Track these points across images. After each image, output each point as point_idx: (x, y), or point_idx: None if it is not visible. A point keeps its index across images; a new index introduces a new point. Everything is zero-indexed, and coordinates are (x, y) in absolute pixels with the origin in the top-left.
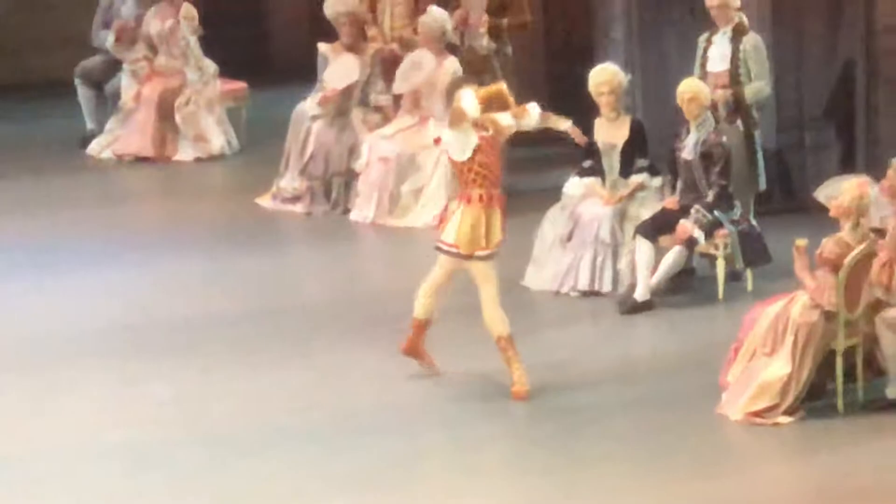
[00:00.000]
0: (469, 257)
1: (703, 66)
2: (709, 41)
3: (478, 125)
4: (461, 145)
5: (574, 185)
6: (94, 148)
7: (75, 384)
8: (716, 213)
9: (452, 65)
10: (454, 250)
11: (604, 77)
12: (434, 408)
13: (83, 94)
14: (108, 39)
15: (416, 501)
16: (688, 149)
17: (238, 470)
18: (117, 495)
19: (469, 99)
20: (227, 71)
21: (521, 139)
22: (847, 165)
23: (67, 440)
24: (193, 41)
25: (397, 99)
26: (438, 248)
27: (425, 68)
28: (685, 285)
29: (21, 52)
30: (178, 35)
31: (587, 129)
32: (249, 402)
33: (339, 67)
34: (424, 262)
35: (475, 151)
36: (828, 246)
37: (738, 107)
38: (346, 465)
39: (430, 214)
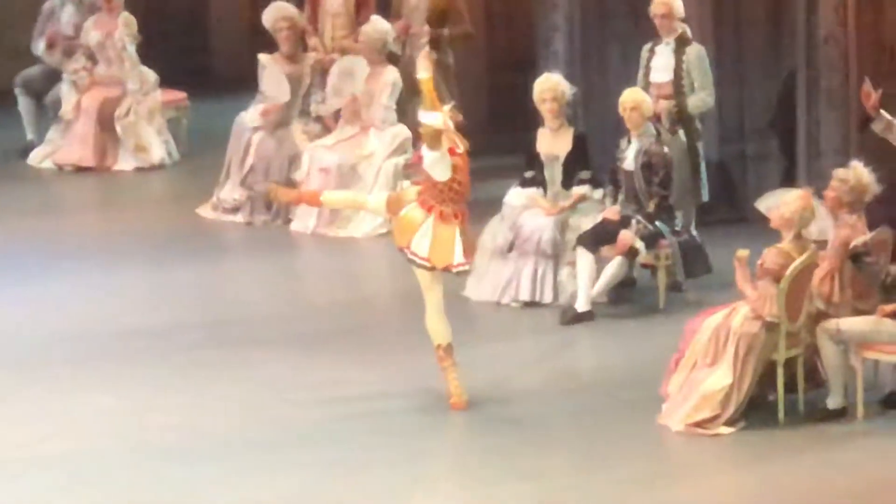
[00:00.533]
0: (445, 270)
1: (647, 76)
2: (652, 51)
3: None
4: (442, 165)
5: (515, 196)
6: (34, 158)
7: (11, 394)
8: (657, 223)
9: (391, 75)
10: (426, 264)
11: (547, 85)
12: (376, 419)
13: (23, 103)
14: (40, 47)
15: None
16: (629, 159)
17: (174, 482)
18: None
19: (434, 116)
20: (167, 81)
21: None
22: (789, 177)
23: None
24: (132, 49)
25: (337, 109)
26: (411, 261)
27: (357, 76)
28: (626, 296)
29: None
30: (117, 43)
31: (530, 141)
32: (188, 413)
33: (276, 81)
34: (365, 272)
35: (454, 170)
36: (769, 256)
37: (680, 117)
38: (287, 479)
39: (371, 225)
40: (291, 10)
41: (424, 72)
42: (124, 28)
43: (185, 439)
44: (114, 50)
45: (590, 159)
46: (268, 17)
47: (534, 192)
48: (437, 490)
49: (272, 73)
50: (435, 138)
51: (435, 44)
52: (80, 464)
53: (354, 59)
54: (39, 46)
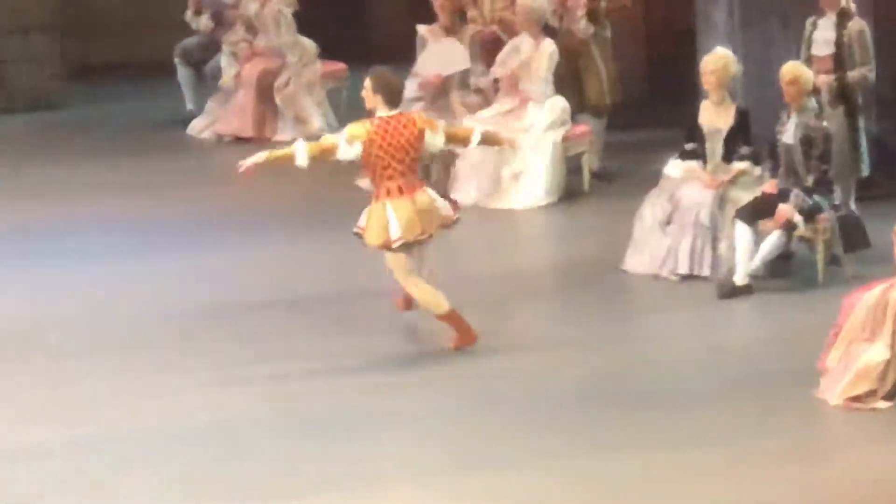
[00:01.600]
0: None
1: (808, 49)
2: (814, 25)
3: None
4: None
5: (675, 168)
6: (193, 128)
7: (168, 366)
8: (815, 197)
9: (549, 47)
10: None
11: (711, 58)
12: (532, 388)
13: (182, 74)
14: (189, 15)
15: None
16: (789, 133)
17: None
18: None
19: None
20: (326, 52)
21: (620, 122)
22: None
23: (152, 421)
24: (289, 19)
25: (496, 81)
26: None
27: (523, 52)
28: (784, 270)
29: (125, 33)
30: (275, 13)
31: (692, 113)
32: (331, 378)
33: (440, 52)
34: (524, 243)
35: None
36: None
37: (841, 92)
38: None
39: (530, 197)
40: None
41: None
42: None
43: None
44: (271, 19)
45: (751, 135)
46: None
47: (693, 164)
48: (599, 458)
49: (435, 39)
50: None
51: (592, 16)
52: (234, 434)
53: (522, 37)
54: (189, 14)
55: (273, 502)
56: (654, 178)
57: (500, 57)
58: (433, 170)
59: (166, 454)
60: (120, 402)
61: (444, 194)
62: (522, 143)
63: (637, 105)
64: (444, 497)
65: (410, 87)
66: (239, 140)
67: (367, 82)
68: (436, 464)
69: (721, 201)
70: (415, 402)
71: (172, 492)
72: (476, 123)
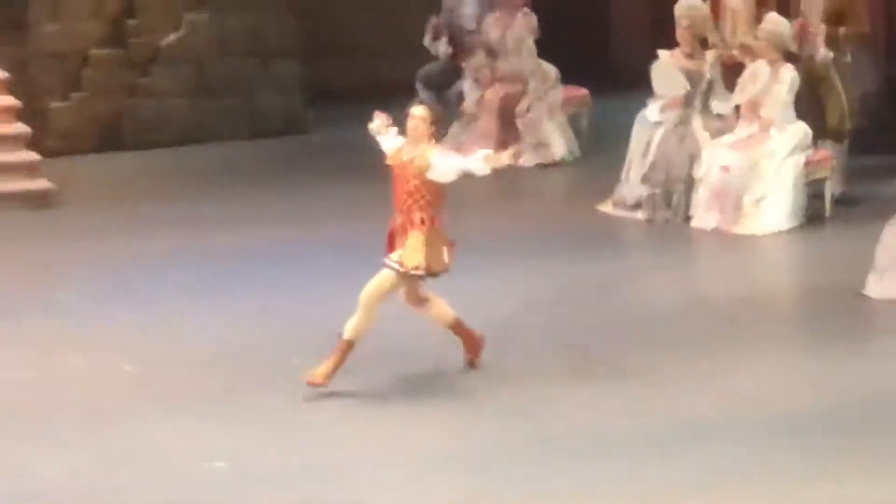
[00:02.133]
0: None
1: None
2: None
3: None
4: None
5: None
6: None
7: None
8: None
9: (789, 73)
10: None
11: None
12: (768, 415)
13: (425, 99)
14: (428, 40)
15: None
16: None
17: (569, 472)
18: None
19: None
20: (568, 77)
21: (862, 147)
22: None
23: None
24: (531, 45)
25: (738, 107)
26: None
27: (760, 79)
28: None
29: (366, 58)
30: (517, 40)
31: None
32: (585, 408)
33: (678, 74)
34: (765, 269)
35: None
36: None
37: None
38: (683, 473)
39: (772, 223)
40: (699, 7)
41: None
42: (524, 24)
43: (585, 436)
44: (513, 45)
45: None
46: (677, 8)
47: None
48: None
49: (663, 68)
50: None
51: (831, 42)
52: (476, 460)
53: (761, 63)
54: (428, 40)
55: None
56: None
57: (739, 83)
58: (675, 192)
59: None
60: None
61: (686, 218)
62: (764, 168)
63: (878, 129)
64: None
65: (653, 111)
66: None
67: (423, 112)
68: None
69: None
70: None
71: None
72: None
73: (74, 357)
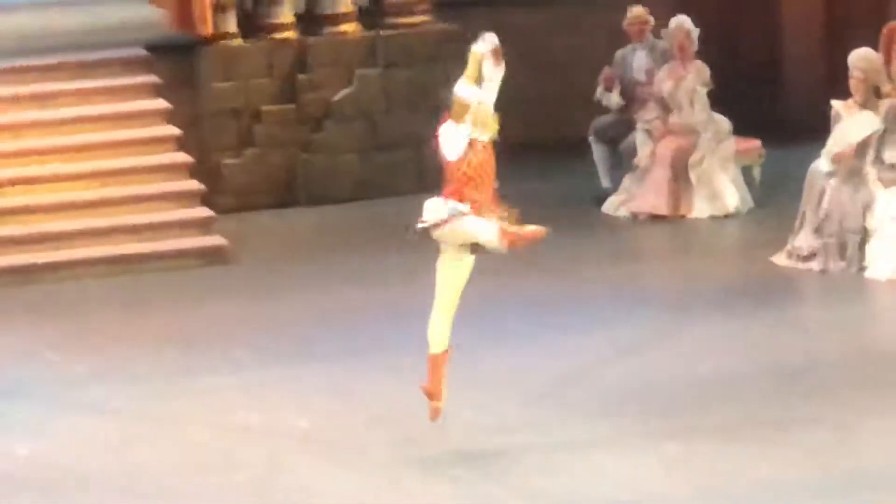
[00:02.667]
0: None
1: None
2: None
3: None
4: (453, 143)
5: None
6: (609, 206)
7: (593, 444)
8: None
9: None
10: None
11: None
12: None
13: (597, 152)
14: (600, 92)
15: None
16: None
17: None
18: None
19: (469, 90)
20: (741, 129)
21: None
22: None
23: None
24: (704, 97)
25: None
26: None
27: None
28: None
29: (531, 112)
30: (689, 92)
31: None
32: (754, 460)
33: (852, 124)
34: None
35: (466, 160)
36: None
37: None
38: None
39: None
40: (872, 58)
41: (482, 45)
42: (697, 75)
43: (753, 488)
44: (686, 98)
45: None
46: (850, 60)
47: None
48: None
49: (850, 114)
50: (460, 113)
51: None
52: None
53: None
54: (600, 91)
55: None
56: None
57: None
58: (849, 243)
59: None
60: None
61: (861, 269)
62: None
63: None
64: None
65: (825, 162)
66: (654, 218)
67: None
68: None
69: None
70: None
71: None
72: None
73: (249, 414)
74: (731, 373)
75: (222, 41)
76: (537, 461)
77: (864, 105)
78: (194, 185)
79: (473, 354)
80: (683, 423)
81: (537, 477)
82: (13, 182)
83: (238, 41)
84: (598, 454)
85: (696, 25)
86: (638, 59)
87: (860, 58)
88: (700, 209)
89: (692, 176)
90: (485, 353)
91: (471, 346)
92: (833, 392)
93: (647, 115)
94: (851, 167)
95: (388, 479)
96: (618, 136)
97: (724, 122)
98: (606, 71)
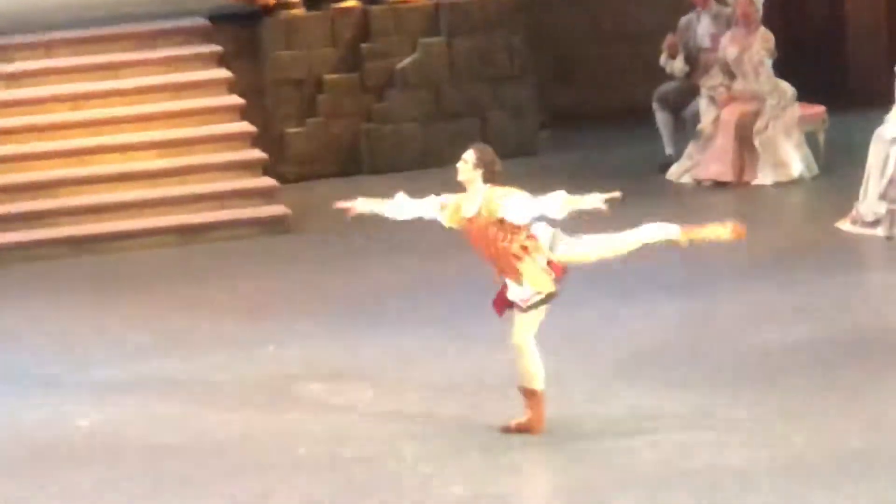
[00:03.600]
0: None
1: None
2: None
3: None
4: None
5: None
6: (672, 173)
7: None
8: None
9: None
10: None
11: None
12: None
13: (661, 119)
14: (664, 59)
15: None
16: None
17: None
18: None
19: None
20: (805, 95)
21: None
22: None
23: None
24: (769, 64)
25: None
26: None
27: None
28: None
29: (601, 78)
30: (754, 58)
31: None
32: (826, 431)
33: None
34: None
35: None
36: None
37: None
38: None
39: None
40: None
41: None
42: (762, 43)
43: (826, 459)
44: (751, 65)
45: None
46: None
47: None
48: None
49: None
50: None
51: None
52: (722, 483)
53: None
54: (664, 58)
55: None
56: None
57: None
58: None
59: None
60: None
61: None
62: None
63: None
64: None
65: (888, 129)
66: (718, 184)
67: (470, 155)
68: None
69: None
70: None
71: None
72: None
73: (313, 385)
74: (798, 341)
75: (284, 10)
76: (604, 432)
77: None
78: (257, 154)
79: None
80: (753, 393)
81: (604, 447)
82: (76, 152)
83: (300, 10)
84: (668, 425)
85: None
86: (702, 26)
87: None
88: (764, 176)
89: (756, 142)
90: (548, 319)
91: None
92: None
93: (712, 82)
94: None
95: (454, 449)
96: (682, 103)
97: (788, 89)
98: (670, 38)
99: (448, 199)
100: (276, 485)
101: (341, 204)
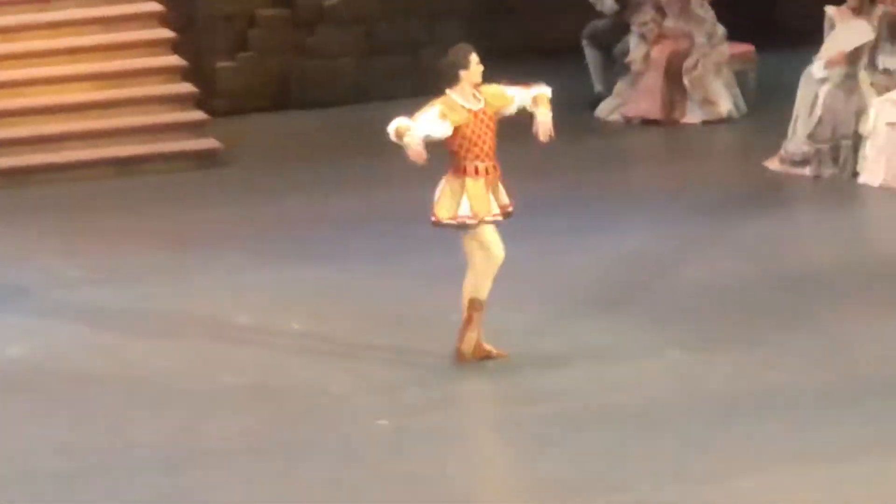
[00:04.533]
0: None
1: None
2: None
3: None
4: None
5: None
6: (602, 110)
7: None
8: None
9: None
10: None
11: None
12: None
13: (591, 56)
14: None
15: None
16: None
17: (738, 433)
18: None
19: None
20: (734, 34)
21: None
22: None
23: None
24: (706, 5)
25: None
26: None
27: None
28: None
29: (532, 16)
30: None
31: None
32: (753, 365)
33: (846, 30)
34: None
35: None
36: None
37: None
38: (853, 430)
39: None
40: None
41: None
42: None
43: (753, 393)
44: (682, 2)
45: None
46: None
47: None
48: None
49: (844, 19)
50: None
51: None
52: (648, 416)
53: None
54: (608, 4)
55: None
56: None
57: None
58: (842, 148)
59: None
60: None
61: (853, 174)
62: None
63: None
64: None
65: (819, 68)
66: (647, 122)
67: (475, 56)
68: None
69: None
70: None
71: None
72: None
73: (243, 315)
74: (726, 278)
75: None
76: (534, 366)
77: (859, 11)
78: (188, 88)
79: None
80: (681, 329)
81: (534, 381)
82: (8, 84)
83: None
84: (597, 360)
85: None
86: None
87: None
88: (693, 114)
89: (686, 81)
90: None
91: None
92: (828, 297)
93: (642, 18)
94: (845, 73)
95: (382, 381)
96: (612, 40)
97: (718, 28)
98: None
99: (437, 109)
100: (203, 415)
101: (414, 155)
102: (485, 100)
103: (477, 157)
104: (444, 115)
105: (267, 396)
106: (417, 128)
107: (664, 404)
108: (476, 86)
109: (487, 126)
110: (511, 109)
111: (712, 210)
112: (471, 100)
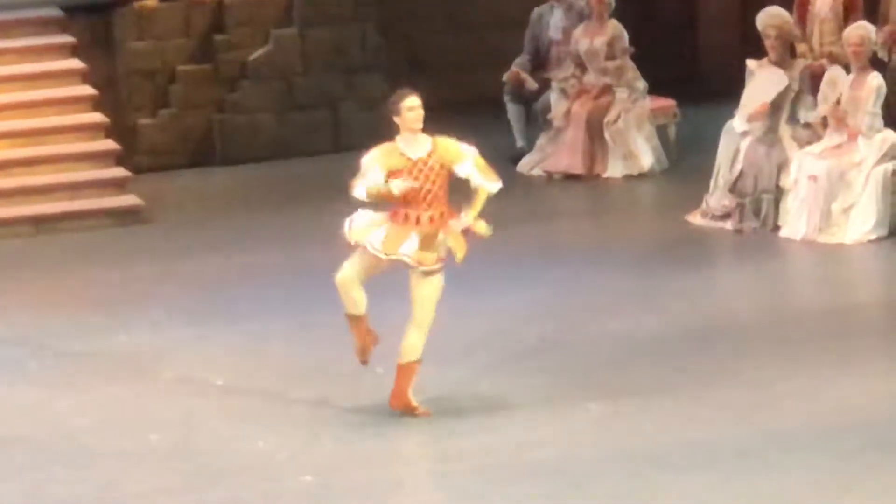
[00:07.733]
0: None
1: None
2: None
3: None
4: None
5: None
6: (523, 165)
7: (512, 404)
8: None
9: (875, 80)
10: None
11: None
12: (869, 429)
13: (512, 111)
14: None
15: None
16: None
17: (664, 488)
18: None
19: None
20: (656, 88)
21: None
22: None
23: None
24: (625, 59)
25: (825, 116)
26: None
27: (839, 86)
28: None
29: (452, 71)
30: (605, 50)
31: None
32: (674, 419)
33: (763, 80)
34: (855, 279)
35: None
36: None
37: None
38: (774, 484)
39: (861, 231)
40: (783, 16)
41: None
42: (613, 36)
43: (675, 447)
44: (602, 57)
45: None
46: (759, 21)
47: None
48: None
49: (763, 72)
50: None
51: None
52: (571, 471)
53: (838, 69)
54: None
55: None
56: None
57: (820, 94)
58: (764, 202)
59: None
60: None
61: (775, 228)
62: (852, 178)
63: None
64: None
65: (740, 121)
66: (569, 177)
67: (418, 100)
68: None
69: None
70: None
71: None
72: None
73: (166, 373)
74: (648, 332)
75: (138, 1)
76: (456, 421)
77: (779, 64)
78: (110, 144)
79: (391, 312)
80: (603, 383)
81: (456, 437)
82: None
83: (153, 1)
84: (519, 415)
85: None
86: (555, 18)
87: (772, 16)
88: (615, 168)
89: (607, 135)
90: (398, 312)
91: (385, 306)
92: (749, 351)
93: (563, 74)
94: (766, 126)
95: (305, 437)
96: (533, 96)
97: (639, 82)
98: (514, 71)
99: (372, 154)
100: (127, 472)
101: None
102: (434, 150)
103: (409, 204)
104: (376, 160)
105: (190, 454)
106: (360, 184)
107: (587, 459)
108: (432, 134)
109: (427, 176)
110: (461, 169)
111: (634, 264)
112: (413, 147)
